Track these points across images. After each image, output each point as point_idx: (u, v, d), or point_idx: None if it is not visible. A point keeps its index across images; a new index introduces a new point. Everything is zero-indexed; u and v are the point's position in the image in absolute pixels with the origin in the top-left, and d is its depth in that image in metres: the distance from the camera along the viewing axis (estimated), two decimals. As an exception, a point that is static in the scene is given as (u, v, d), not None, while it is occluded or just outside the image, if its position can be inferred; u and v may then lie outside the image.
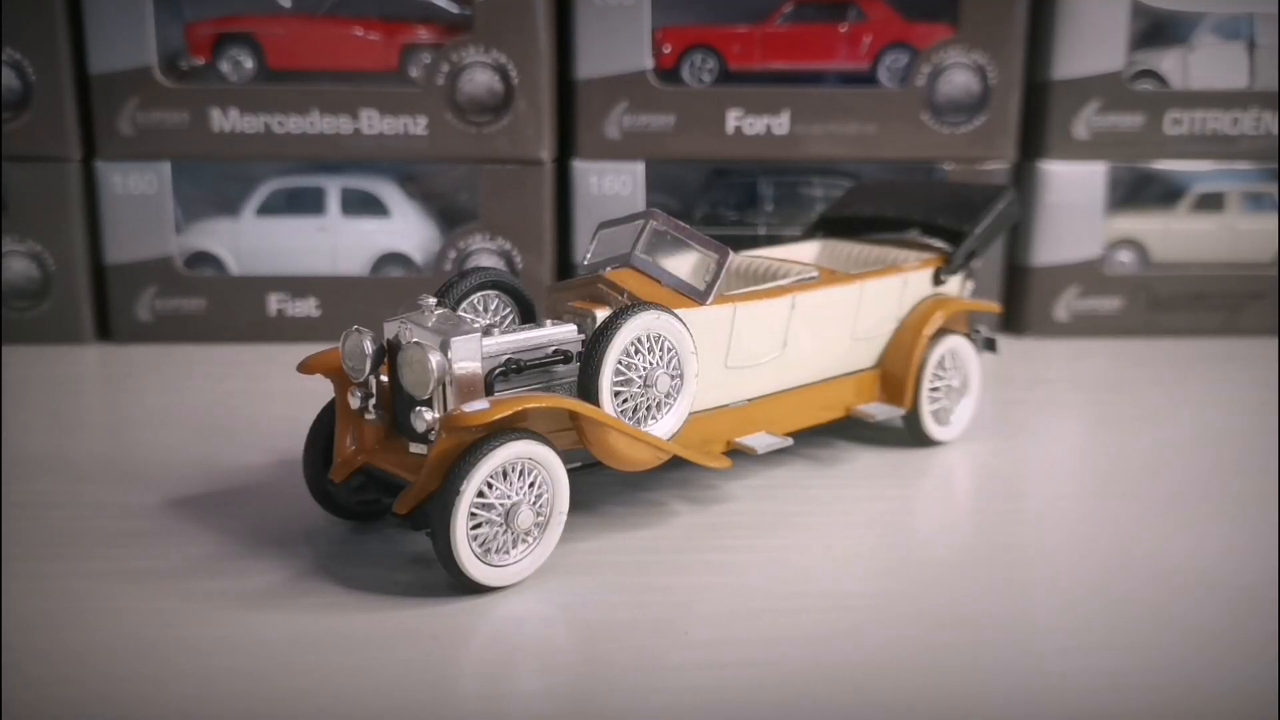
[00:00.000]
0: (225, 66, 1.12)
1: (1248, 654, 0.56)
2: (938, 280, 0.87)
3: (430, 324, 0.64)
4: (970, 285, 0.91)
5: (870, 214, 0.95)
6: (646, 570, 0.65)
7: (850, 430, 0.87)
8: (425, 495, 0.60)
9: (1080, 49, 1.14)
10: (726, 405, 0.74)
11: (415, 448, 0.65)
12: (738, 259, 0.84)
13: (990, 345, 0.90)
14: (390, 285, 1.14)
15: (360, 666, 0.54)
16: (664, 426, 0.68)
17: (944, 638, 0.58)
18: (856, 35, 1.16)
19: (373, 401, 0.66)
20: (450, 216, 1.19)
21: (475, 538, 0.60)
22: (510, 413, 0.60)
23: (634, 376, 0.67)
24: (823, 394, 0.80)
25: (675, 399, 0.69)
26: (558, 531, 0.64)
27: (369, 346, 0.65)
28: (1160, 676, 0.55)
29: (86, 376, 1.06)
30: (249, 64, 1.12)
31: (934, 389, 0.85)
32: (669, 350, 0.68)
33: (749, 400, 0.76)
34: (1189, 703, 0.52)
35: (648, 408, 0.68)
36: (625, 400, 0.67)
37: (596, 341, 0.65)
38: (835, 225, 0.96)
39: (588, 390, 0.65)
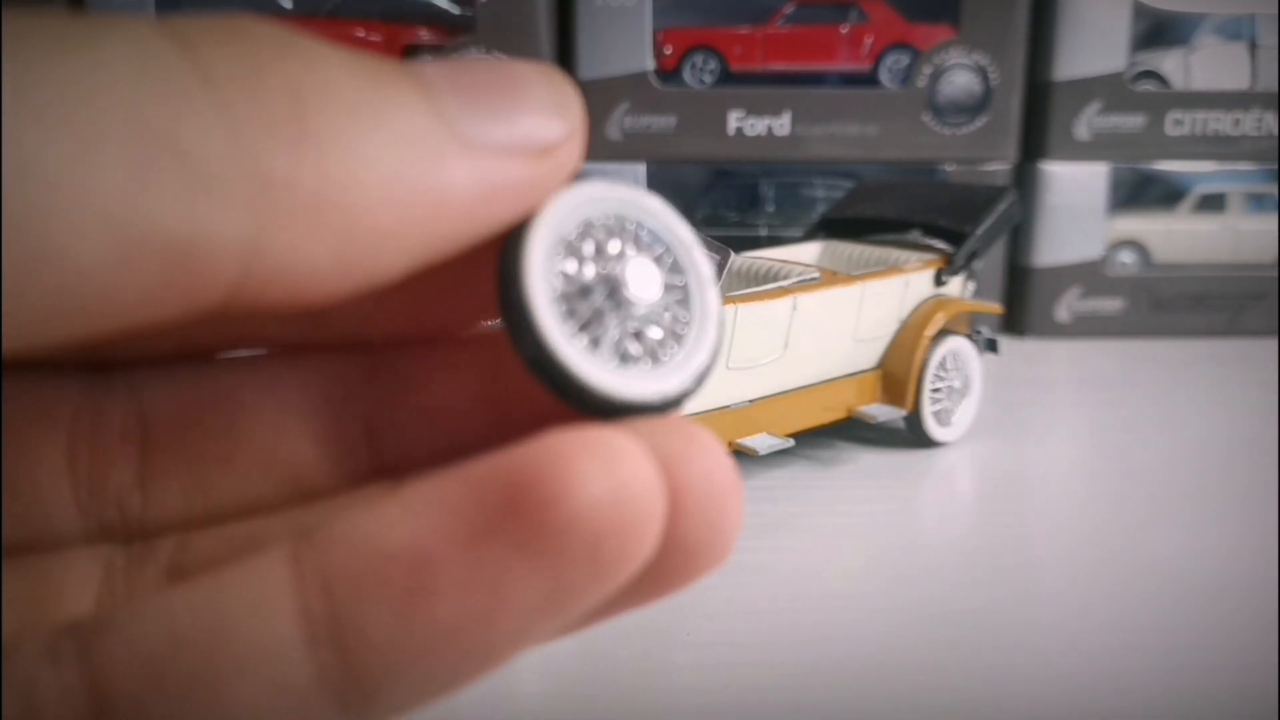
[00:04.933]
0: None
1: (1248, 654, 0.56)
2: (939, 281, 0.87)
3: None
4: (972, 286, 0.91)
5: (872, 215, 0.95)
6: (648, 571, 0.65)
7: (852, 431, 0.87)
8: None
9: (1082, 50, 1.14)
10: (728, 406, 0.74)
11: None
12: (739, 260, 0.84)
13: (992, 346, 0.90)
14: (392, 286, 1.14)
15: (361, 667, 0.54)
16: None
17: (945, 638, 0.58)
18: (858, 36, 1.16)
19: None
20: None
21: (477, 539, 0.60)
22: (511, 414, 0.60)
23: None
24: (824, 395, 0.80)
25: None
26: (559, 532, 0.64)
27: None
28: (1161, 676, 0.54)
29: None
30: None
31: (935, 390, 0.85)
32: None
33: (750, 401, 0.76)
34: (1189, 703, 0.52)
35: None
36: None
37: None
38: (837, 226, 0.96)
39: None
